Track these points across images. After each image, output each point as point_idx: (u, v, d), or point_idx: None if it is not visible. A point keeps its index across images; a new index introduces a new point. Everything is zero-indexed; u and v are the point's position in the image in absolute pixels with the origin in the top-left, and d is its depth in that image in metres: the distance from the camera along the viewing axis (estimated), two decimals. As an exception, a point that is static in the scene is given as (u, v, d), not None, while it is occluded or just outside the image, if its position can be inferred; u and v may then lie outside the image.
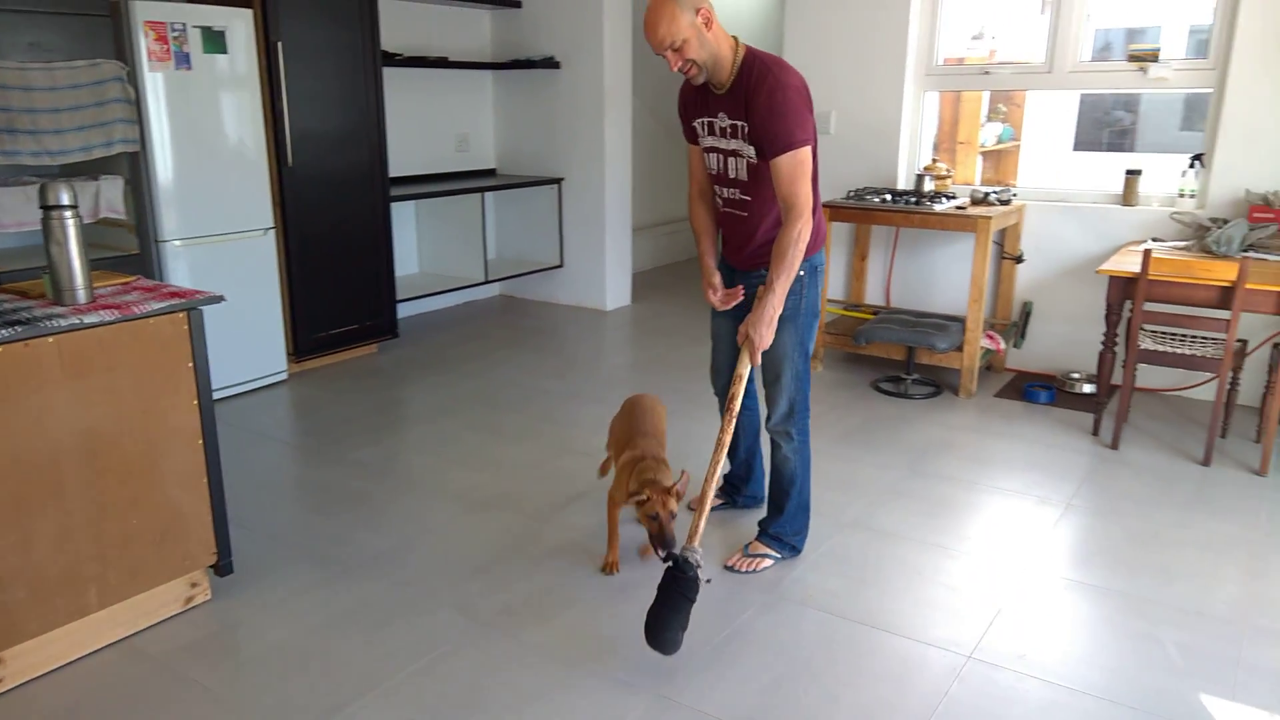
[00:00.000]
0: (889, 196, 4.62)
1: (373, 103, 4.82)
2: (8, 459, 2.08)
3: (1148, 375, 4.39)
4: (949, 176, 4.90)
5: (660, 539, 2.45)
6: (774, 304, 2.45)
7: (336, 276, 4.80)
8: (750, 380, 2.66)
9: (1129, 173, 4.49)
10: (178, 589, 2.50)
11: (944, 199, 4.56)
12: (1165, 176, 4.60)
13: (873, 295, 5.19)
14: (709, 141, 2.62)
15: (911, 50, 4.81)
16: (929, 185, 4.69)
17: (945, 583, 2.76)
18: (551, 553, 2.94)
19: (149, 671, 2.32)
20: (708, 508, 2.46)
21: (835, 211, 4.59)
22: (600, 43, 5.80)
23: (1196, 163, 4.30)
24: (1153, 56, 4.33)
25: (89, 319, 2.17)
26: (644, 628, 2.29)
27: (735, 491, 3.20)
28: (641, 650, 2.35)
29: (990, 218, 4.29)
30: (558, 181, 6.18)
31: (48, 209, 2.20)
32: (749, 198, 2.58)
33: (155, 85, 3.87)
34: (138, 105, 3.80)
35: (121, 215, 3.73)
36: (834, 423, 4.04)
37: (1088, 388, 4.45)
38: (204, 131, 4.08)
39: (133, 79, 3.77)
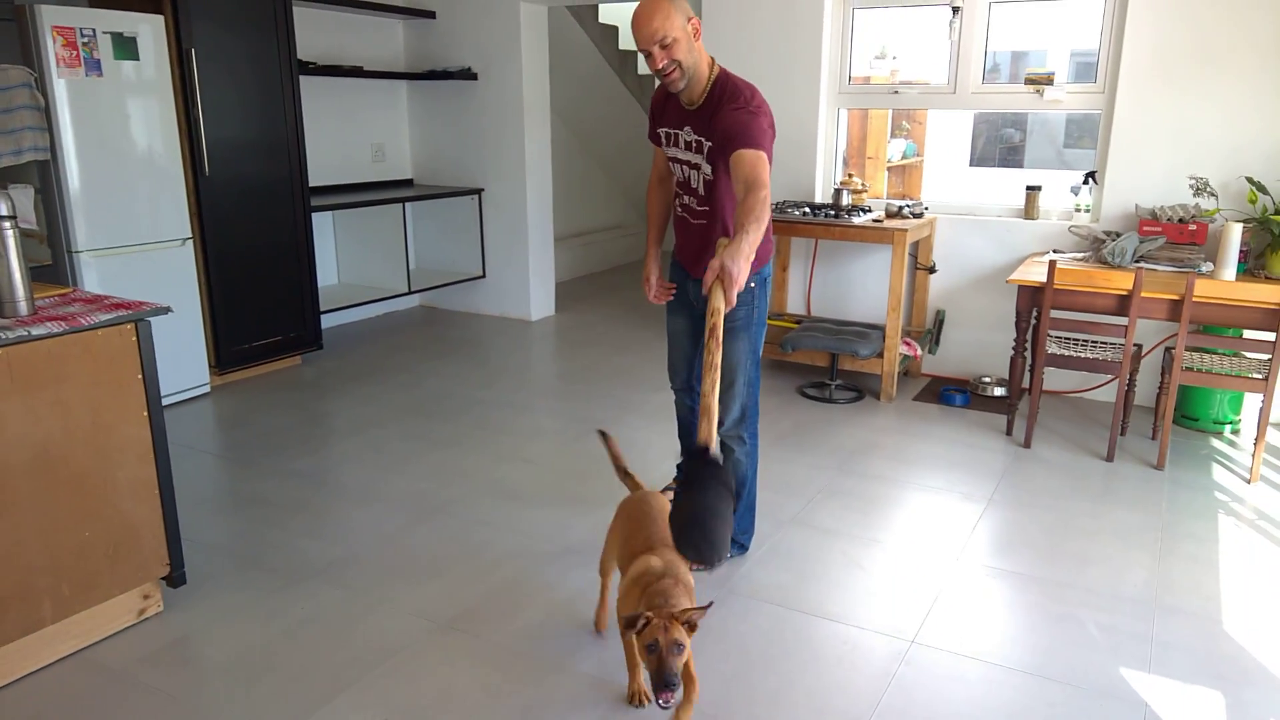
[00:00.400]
0: (809, 210, 4.82)
1: (290, 111, 4.75)
2: (-44, 473, 2.00)
3: (1053, 379, 4.70)
4: (864, 191, 5.13)
5: (658, 675, 1.85)
6: (748, 244, 2.17)
7: (258, 287, 4.70)
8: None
9: (1029, 188, 4.81)
10: (131, 601, 2.45)
11: (861, 212, 4.78)
12: (1057, 191, 4.95)
13: (794, 304, 5.38)
14: (672, 152, 2.71)
15: (825, 68, 5.03)
16: (846, 199, 4.90)
17: (884, 575, 2.91)
18: (506, 555, 2.96)
19: (109, 682, 2.27)
20: (714, 414, 2.06)
21: (760, 223, 4.75)
22: (518, 55, 5.85)
23: (1090, 179, 4.64)
24: (1048, 80, 4.65)
25: (36, 331, 2.11)
26: (683, 532, 1.96)
27: None
28: (607, 637, 2.42)
29: (906, 230, 4.52)
30: (478, 192, 6.19)
31: (-12, 218, 2.13)
32: (706, 208, 2.69)
33: (65, 92, 3.74)
34: (47, 112, 3.66)
35: (33, 226, 3.59)
36: (766, 427, 4.16)
37: (998, 390, 4.73)
38: (117, 139, 3.96)
39: (41, 85, 3.64)
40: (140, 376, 2.33)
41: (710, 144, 2.53)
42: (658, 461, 3.76)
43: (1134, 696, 2.31)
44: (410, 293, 5.89)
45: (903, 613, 2.69)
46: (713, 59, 2.59)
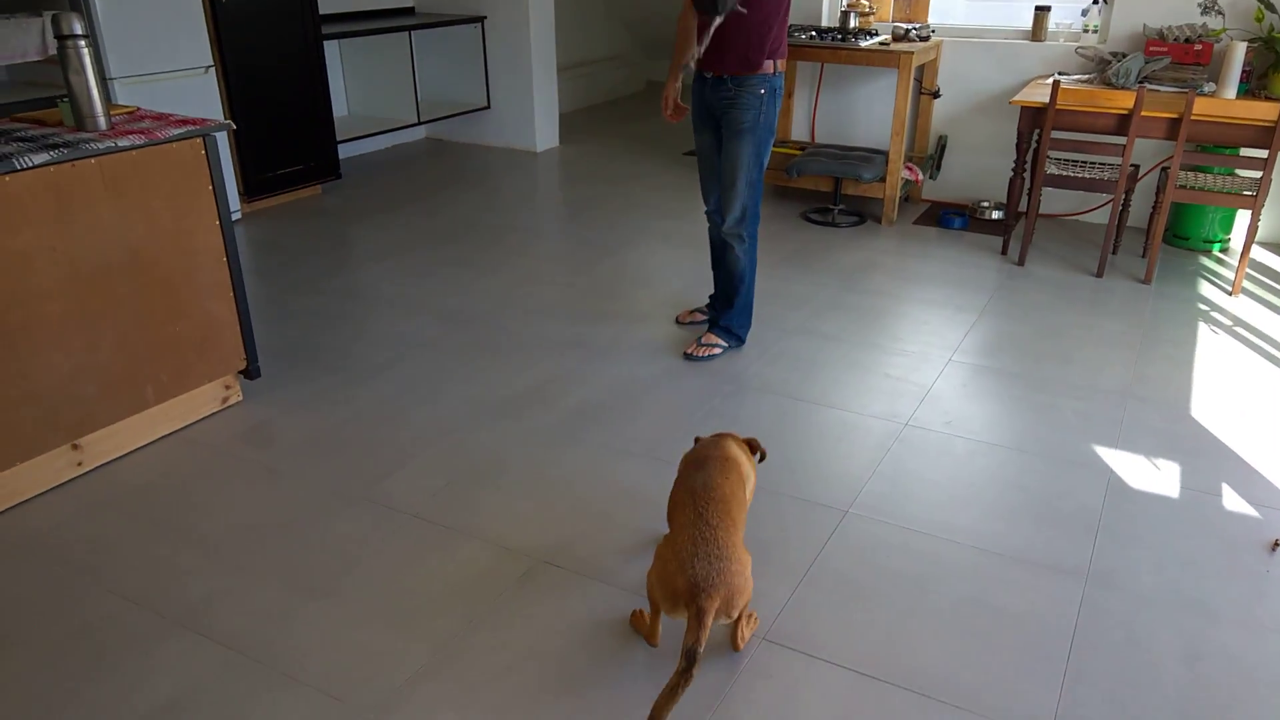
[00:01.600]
0: (815, 33, 4.85)
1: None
2: (69, 270, 2.26)
3: (1050, 202, 4.89)
4: (872, 14, 5.14)
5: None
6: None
7: (278, 116, 4.80)
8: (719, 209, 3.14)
9: (1038, 9, 4.83)
10: (215, 390, 2.77)
11: (867, 36, 4.83)
12: (1066, 13, 4.96)
13: (798, 131, 5.49)
14: None
15: (840, -115, 4.94)
16: (853, 22, 4.93)
17: (882, 372, 3.22)
18: (542, 357, 3.26)
19: (210, 454, 2.63)
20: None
21: (771, 48, 4.80)
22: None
23: (1099, 0, 4.66)
24: (1066, -104, 4.59)
25: (122, 142, 2.30)
26: None
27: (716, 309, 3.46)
28: (637, 419, 2.75)
29: (913, 54, 4.59)
30: (480, 20, 6.14)
31: (63, 38, 2.27)
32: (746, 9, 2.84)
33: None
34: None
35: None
36: (771, 250, 4.40)
37: (996, 214, 4.93)
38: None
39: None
40: (210, 188, 2.54)
41: None
42: (680, 285, 4.02)
43: (1101, 465, 2.66)
44: (420, 123, 5.96)
45: (898, 402, 3.01)
46: None
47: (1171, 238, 4.55)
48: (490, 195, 5.32)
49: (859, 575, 2.18)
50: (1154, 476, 2.60)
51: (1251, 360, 3.34)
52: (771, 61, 2.95)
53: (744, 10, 2.79)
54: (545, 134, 6.43)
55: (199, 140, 2.49)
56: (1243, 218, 4.48)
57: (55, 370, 2.30)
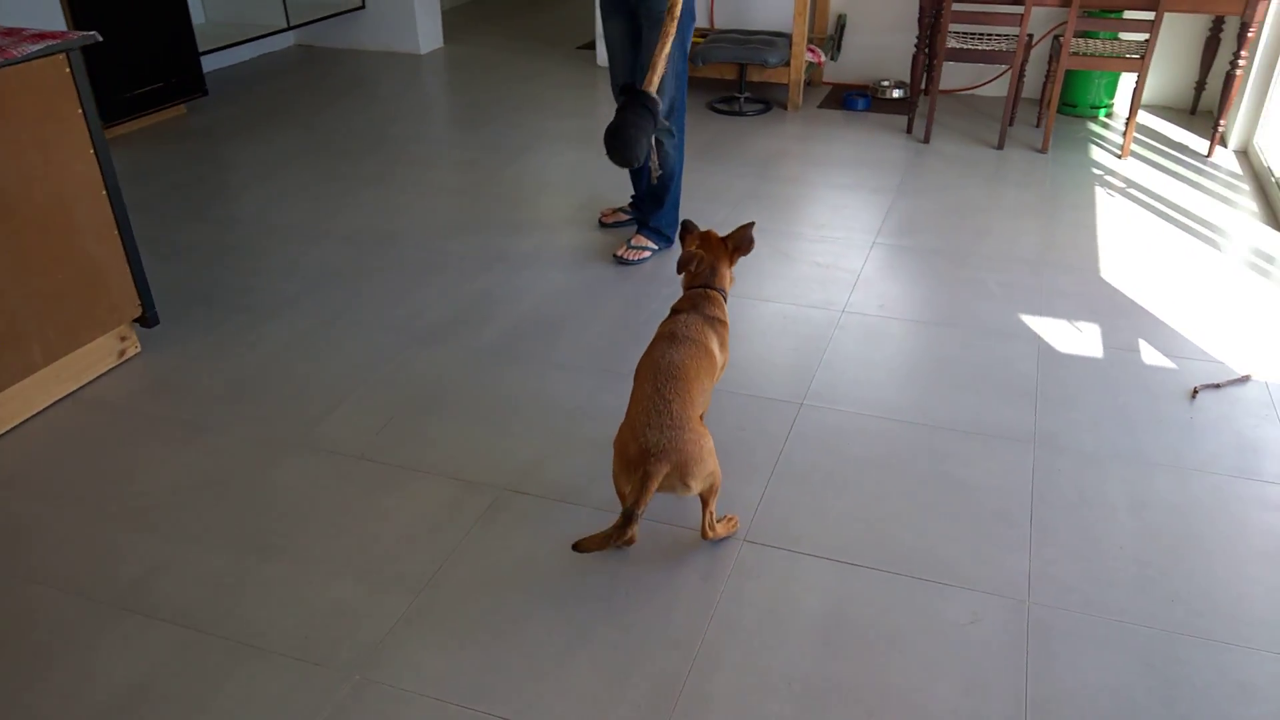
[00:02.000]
0: (709, -89, 4.64)
1: None
2: (-75, 218, 1.96)
3: (946, 77, 4.89)
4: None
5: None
6: None
7: (130, 26, 4.31)
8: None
9: (929, -122, 4.72)
10: (110, 344, 2.51)
11: (762, -88, 4.65)
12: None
13: (697, 18, 5.29)
14: None
15: None
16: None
17: (811, 260, 3.21)
18: (464, 275, 3.11)
19: (116, 414, 2.39)
20: (659, 70, 2.48)
21: (662, -72, 4.57)
22: None
23: None
24: None
25: (-33, 64, 1.99)
26: (608, 138, 2.36)
27: (640, 209, 3.40)
28: (579, 333, 2.66)
29: (807, -73, 4.44)
30: (347, -93, 5.64)
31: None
32: None
33: None
34: None
35: None
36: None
37: (897, 93, 4.92)
38: None
39: None
40: (80, 111, 2.24)
41: None
42: (593, 187, 3.88)
43: (1029, 334, 2.74)
44: (289, 28, 5.49)
45: (831, 290, 3.01)
46: None
47: (1060, 105, 4.64)
48: (378, 103, 4.99)
49: (823, 465, 2.19)
50: (1078, 339, 2.70)
51: (1146, 219, 3.48)
52: None
53: (658, 169, 2.69)
54: (428, 34, 6.04)
55: (62, 57, 2.18)
56: (1126, 82, 4.61)
57: (-73, 335, 2.04)
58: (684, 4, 2.80)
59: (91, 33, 2.23)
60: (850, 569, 1.89)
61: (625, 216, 3.46)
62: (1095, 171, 3.94)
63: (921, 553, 1.93)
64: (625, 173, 3.37)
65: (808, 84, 5.14)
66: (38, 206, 2.20)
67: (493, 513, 2.05)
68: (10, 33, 2.22)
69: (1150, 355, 2.63)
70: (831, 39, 5.05)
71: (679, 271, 2.14)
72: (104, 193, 2.35)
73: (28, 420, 2.35)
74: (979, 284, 3.03)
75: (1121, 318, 2.82)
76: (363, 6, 5.91)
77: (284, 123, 4.64)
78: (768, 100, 4.89)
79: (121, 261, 2.45)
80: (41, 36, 2.18)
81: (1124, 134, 4.11)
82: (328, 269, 3.17)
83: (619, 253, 3.20)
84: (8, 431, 2.31)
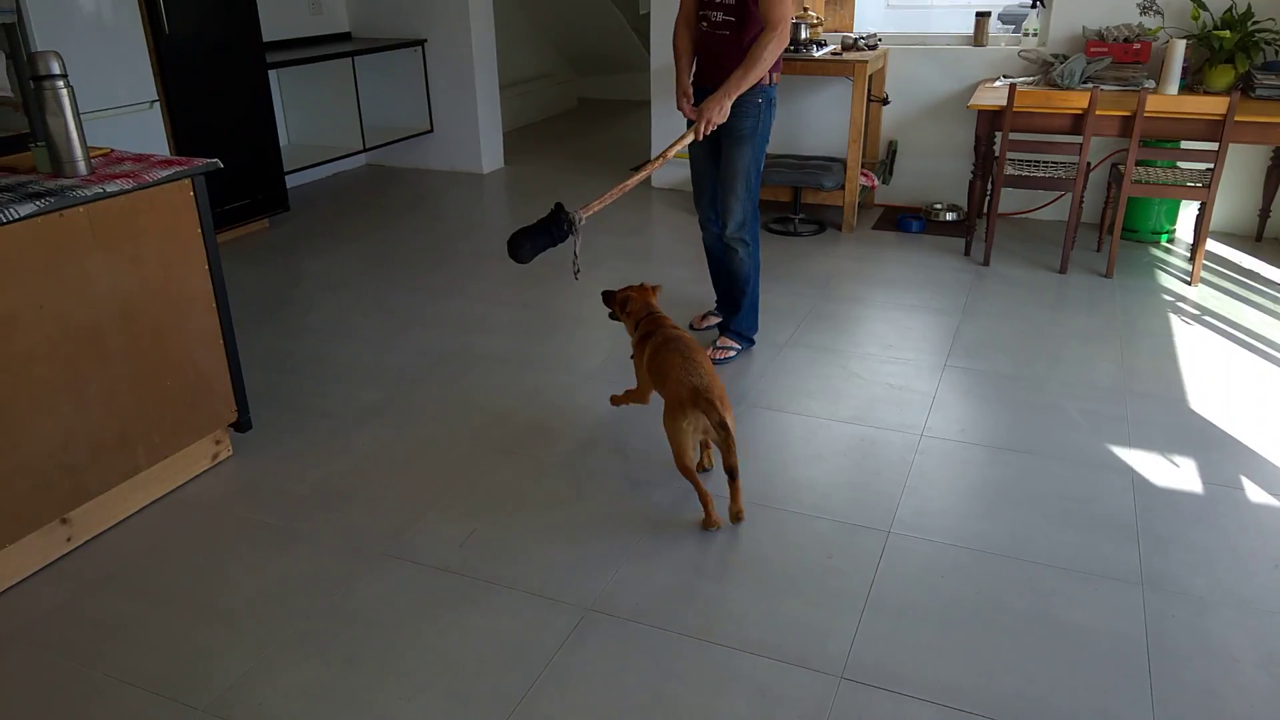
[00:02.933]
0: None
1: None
2: (59, 328, 2.07)
3: (1000, 201, 4.99)
4: (820, 24, 5.19)
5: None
6: (731, 89, 2.93)
7: (225, 149, 4.52)
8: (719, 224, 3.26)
9: (979, 14, 4.94)
10: (206, 447, 2.58)
11: (818, 46, 4.87)
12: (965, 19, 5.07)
13: (754, 143, 5.49)
14: None
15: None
16: (804, 33, 4.96)
17: (884, 382, 3.22)
18: (537, 387, 3.16)
19: (209, 516, 2.44)
20: (610, 198, 2.89)
21: (726, 61, 4.80)
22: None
23: (1038, 3, 4.80)
24: (1001, -94, 4.72)
25: (110, 188, 2.12)
26: (510, 240, 2.69)
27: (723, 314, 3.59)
28: (650, 446, 2.67)
29: (866, 62, 4.64)
30: (421, 43, 6.00)
31: (39, 79, 2.09)
32: (732, 19, 2.99)
33: (21, -55, 3.49)
34: (10, -29, 3.43)
35: (7, 92, 3.41)
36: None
37: (950, 216, 5.02)
38: (79, -1, 3.75)
39: (1, -58, 3.39)
40: (199, 230, 2.37)
41: None
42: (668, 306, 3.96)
43: (1122, 465, 2.69)
44: (365, 150, 5.78)
45: (907, 412, 3.00)
46: None
47: (1121, 231, 4.69)
48: (446, 219, 5.18)
49: (918, 600, 2.14)
50: (1175, 474, 2.65)
51: (1228, 348, 3.45)
52: (767, 74, 3.03)
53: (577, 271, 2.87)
54: (491, 155, 6.32)
55: (187, 181, 2.32)
56: (1187, 209, 4.66)
57: (46, 438, 2.10)
58: (762, 126, 3.10)
59: (214, 160, 2.37)
60: (960, 716, 1.82)
61: (716, 319, 3.62)
62: (1166, 298, 3.94)
63: (1033, 701, 1.85)
64: (680, 284, 3.47)
65: (861, 206, 5.26)
66: (156, 317, 2.30)
67: (580, 634, 2.03)
68: (140, 159, 2.37)
69: (1255, 493, 2.56)
70: (883, 163, 5.20)
71: (619, 309, 2.81)
72: (214, 305, 2.46)
73: (125, 520, 2.41)
74: (1060, 411, 3.01)
75: (1217, 451, 2.76)
76: (431, 130, 6.21)
77: (359, 237, 4.83)
78: (822, 221, 5.01)
79: (224, 369, 2.54)
80: (169, 163, 2.33)
81: (1192, 260, 4.13)
82: (407, 377, 3.23)
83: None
84: (106, 530, 2.36)
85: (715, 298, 3.60)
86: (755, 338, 3.45)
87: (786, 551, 2.31)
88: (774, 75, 3.07)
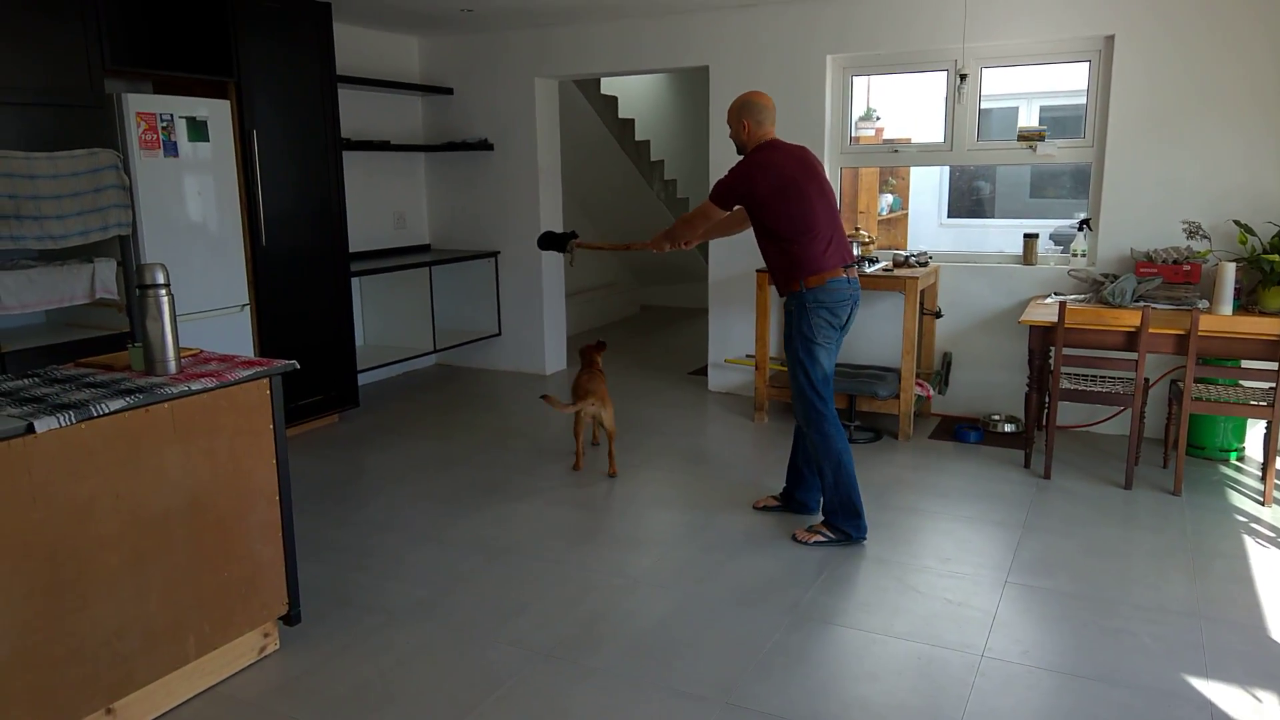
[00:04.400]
0: (824, 262, 5.10)
1: (334, 184, 5.00)
2: (130, 516, 2.17)
3: (1059, 413, 4.96)
4: (872, 242, 5.45)
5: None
6: (664, 234, 3.72)
7: (305, 349, 4.86)
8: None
9: (1027, 236, 5.14)
10: (254, 639, 2.59)
11: (870, 262, 5.09)
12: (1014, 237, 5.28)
13: (808, 352, 5.63)
14: None
15: (828, 130, 5.38)
16: (856, 250, 5.20)
17: (941, 597, 3.11)
18: (582, 590, 3.13)
19: (248, 715, 2.41)
20: (599, 247, 4.45)
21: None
22: (533, 125, 6.17)
23: (1085, 226, 4.99)
24: (1039, 137, 5.02)
25: (194, 386, 2.28)
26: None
27: (788, 498, 3.84)
28: (699, 656, 2.59)
29: (917, 278, 4.82)
30: (494, 254, 6.44)
31: (144, 288, 2.32)
32: (757, 240, 3.54)
33: (146, 171, 3.96)
34: (130, 191, 3.86)
35: (114, 296, 3.75)
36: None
37: (1008, 427, 5.00)
38: (188, 215, 4.20)
39: (126, 166, 3.85)
40: (271, 427, 2.50)
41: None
42: (704, 500, 3.96)
43: (1199, 697, 2.52)
44: (436, 351, 6.08)
45: (967, 631, 2.88)
46: (766, 139, 3.49)
47: (1188, 447, 4.60)
48: (506, 418, 5.34)
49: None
50: (1257, 710, 2.47)
51: (1309, 573, 3.28)
52: (799, 281, 3.39)
53: (570, 262, 4.14)
54: (554, 357, 6.58)
55: (265, 381, 2.48)
56: (1253, 426, 4.58)
57: (102, 625, 2.15)
58: (796, 329, 3.43)
59: (292, 362, 2.55)
60: None
61: (775, 503, 3.83)
62: (1238, 518, 3.80)
63: None
64: (728, 490, 3.50)
65: (917, 415, 5.28)
66: (222, 509, 2.40)
67: None
68: (225, 359, 2.56)
69: (1342, 729, 2.37)
70: (939, 374, 5.26)
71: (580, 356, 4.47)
72: (277, 500, 2.55)
73: (168, 712, 2.39)
74: (1130, 636, 2.86)
75: (1298, 683, 2.58)
76: (499, 333, 6.53)
77: (421, 434, 4.99)
78: (878, 429, 5.03)
79: (279, 562, 2.59)
80: (251, 364, 2.51)
81: (1264, 480, 4.01)
82: (457, 574, 3.24)
83: (797, 534, 3.53)
84: (149, 724, 2.34)
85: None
86: (855, 534, 3.49)
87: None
88: (804, 281, 3.37)
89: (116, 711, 2.24)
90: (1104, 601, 3.07)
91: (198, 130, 4.15)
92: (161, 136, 3.98)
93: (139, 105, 3.89)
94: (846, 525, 3.48)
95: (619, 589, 3.16)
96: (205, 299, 4.26)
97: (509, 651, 2.74)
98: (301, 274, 4.83)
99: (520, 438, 4.93)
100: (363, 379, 6.08)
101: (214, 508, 2.38)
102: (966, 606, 3.04)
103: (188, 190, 4.17)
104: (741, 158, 3.50)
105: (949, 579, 3.24)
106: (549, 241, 4.10)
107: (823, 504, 3.56)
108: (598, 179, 8.13)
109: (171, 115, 4.03)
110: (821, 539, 3.49)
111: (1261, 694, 2.54)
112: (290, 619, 2.67)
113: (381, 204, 6.27)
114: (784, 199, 3.35)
